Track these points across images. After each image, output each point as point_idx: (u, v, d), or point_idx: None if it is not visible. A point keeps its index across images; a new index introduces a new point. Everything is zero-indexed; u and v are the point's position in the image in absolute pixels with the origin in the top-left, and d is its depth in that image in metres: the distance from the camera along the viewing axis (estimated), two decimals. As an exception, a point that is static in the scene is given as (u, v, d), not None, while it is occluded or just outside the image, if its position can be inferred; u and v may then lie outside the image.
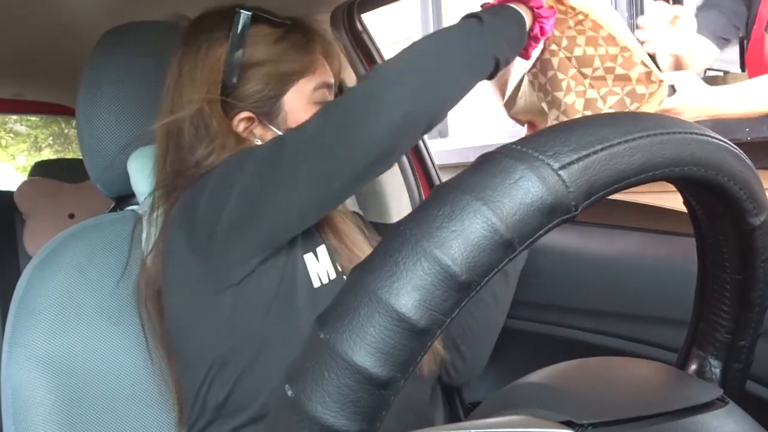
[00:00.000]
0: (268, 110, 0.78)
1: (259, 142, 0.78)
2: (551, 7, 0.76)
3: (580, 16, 0.78)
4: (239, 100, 0.77)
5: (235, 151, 0.74)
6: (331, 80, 0.81)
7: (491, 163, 0.29)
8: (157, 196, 0.77)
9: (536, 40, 0.75)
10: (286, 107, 0.79)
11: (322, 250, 0.74)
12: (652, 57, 0.86)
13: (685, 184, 0.37)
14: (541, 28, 0.75)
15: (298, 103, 0.79)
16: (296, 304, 0.70)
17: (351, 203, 1.18)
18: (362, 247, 0.78)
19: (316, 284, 0.72)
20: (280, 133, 0.78)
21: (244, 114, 0.78)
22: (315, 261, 0.73)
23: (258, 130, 0.79)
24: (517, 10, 0.72)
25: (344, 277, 0.74)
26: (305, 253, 0.72)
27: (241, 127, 0.78)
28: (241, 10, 0.75)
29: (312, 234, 0.74)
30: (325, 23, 1.17)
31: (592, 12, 0.78)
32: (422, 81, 0.64)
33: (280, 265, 0.70)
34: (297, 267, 0.71)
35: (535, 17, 0.74)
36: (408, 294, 0.27)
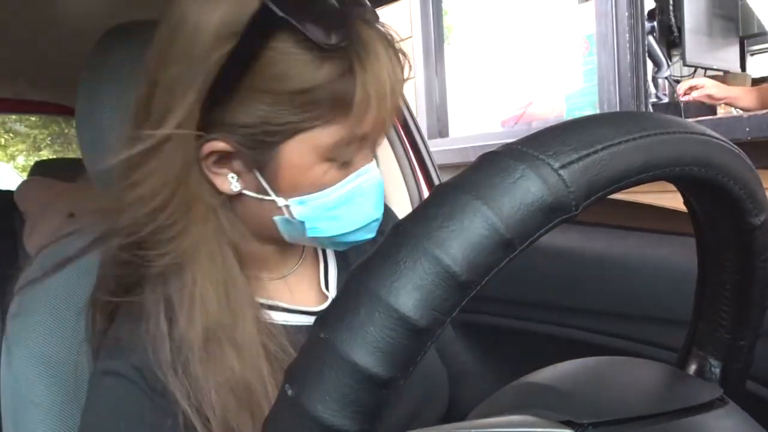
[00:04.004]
0: (257, 155, 0.57)
1: (235, 185, 0.58)
2: None
3: None
4: (217, 124, 0.55)
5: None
6: (368, 130, 0.56)
7: (491, 163, 0.29)
8: None
9: None
10: (283, 159, 0.56)
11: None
12: None
13: (685, 184, 0.37)
14: None
15: (302, 159, 0.56)
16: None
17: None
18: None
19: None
20: (267, 187, 0.58)
21: (220, 144, 0.56)
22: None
23: (235, 168, 0.58)
24: None
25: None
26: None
27: (209, 161, 0.57)
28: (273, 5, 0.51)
29: None
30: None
31: None
32: None
33: None
34: None
35: None
36: (408, 294, 0.27)
